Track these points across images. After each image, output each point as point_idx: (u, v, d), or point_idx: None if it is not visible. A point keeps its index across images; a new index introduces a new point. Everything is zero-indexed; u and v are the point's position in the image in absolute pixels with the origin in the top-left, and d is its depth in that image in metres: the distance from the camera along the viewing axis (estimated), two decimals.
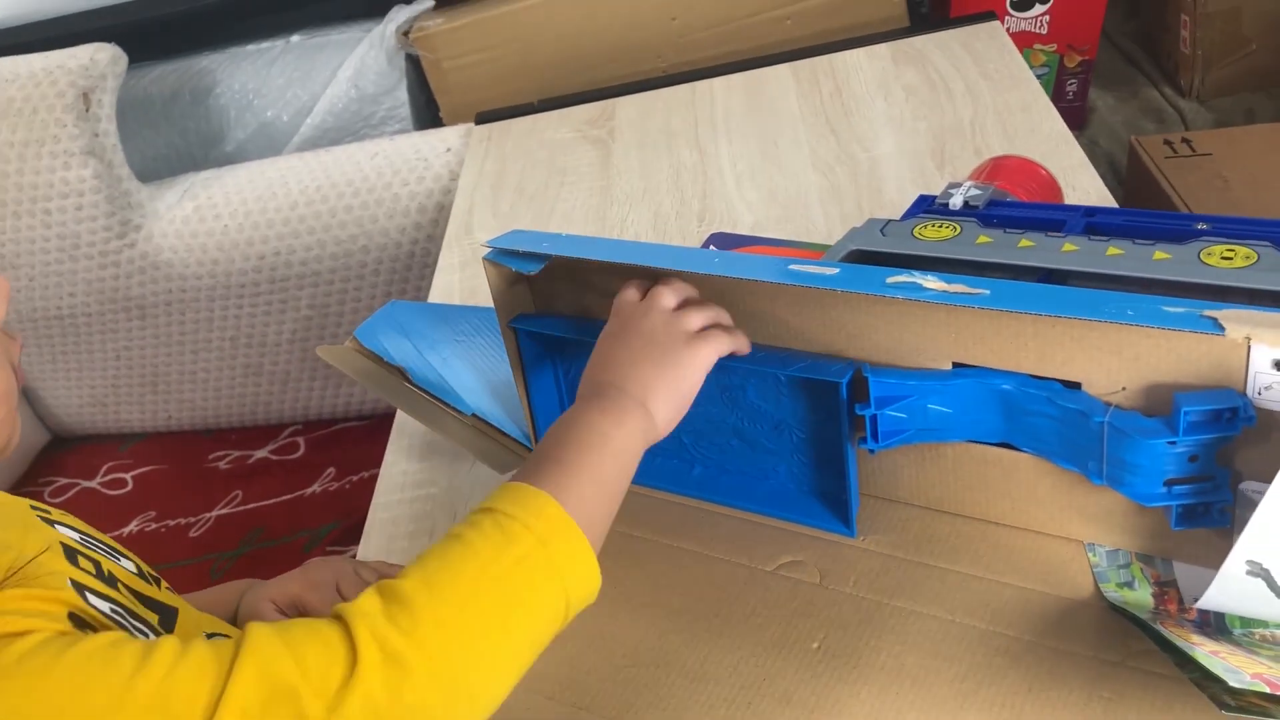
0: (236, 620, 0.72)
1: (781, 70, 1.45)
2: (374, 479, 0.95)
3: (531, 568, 0.51)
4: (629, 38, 1.68)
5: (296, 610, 0.72)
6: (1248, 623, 0.59)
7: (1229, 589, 0.54)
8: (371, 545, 0.88)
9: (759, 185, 1.22)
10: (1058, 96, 1.85)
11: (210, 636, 0.63)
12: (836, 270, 0.66)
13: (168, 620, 0.58)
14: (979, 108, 1.24)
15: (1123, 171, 1.65)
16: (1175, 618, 0.60)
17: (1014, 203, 0.83)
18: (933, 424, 0.67)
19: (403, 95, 1.76)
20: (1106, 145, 1.87)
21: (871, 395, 0.66)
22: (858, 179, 1.18)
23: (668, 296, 0.65)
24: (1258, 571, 0.53)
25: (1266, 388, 0.55)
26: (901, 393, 0.66)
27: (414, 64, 1.75)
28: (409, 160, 1.58)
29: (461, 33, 1.68)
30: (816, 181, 1.20)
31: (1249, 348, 0.55)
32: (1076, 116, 1.89)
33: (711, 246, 1.08)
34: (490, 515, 0.52)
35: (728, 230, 1.14)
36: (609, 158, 1.37)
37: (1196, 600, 0.57)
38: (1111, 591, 0.63)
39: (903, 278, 0.63)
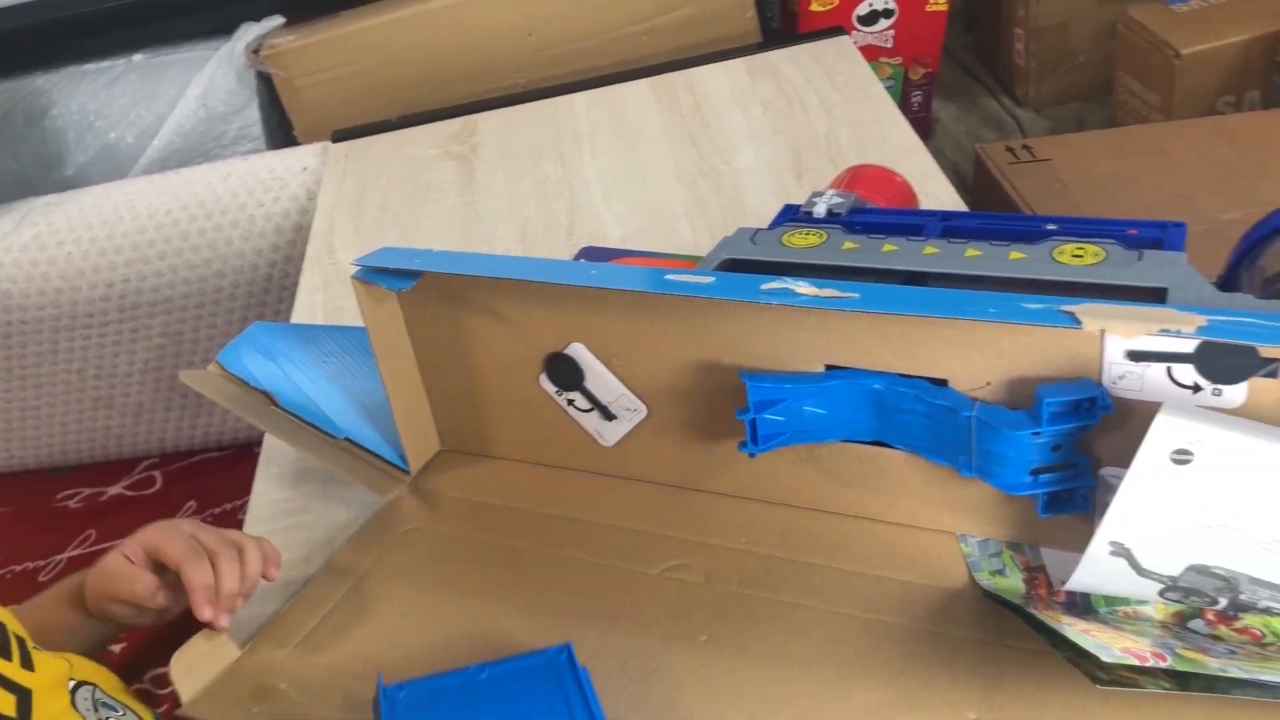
0: (87, 603, 0.69)
1: (641, 85, 1.46)
2: (237, 510, 0.92)
3: None
4: (486, 54, 1.67)
5: (153, 561, 0.69)
6: (1112, 601, 0.62)
7: (1094, 570, 0.57)
8: None
9: (625, 198, 1.23)
10: (903, 108, 1.91)
11: (78, 688, 0.60)
12: (712, 279, 0.67)
13: (24, 703, 0.55)
14: (833, 120, 1.28)
15: (967, 179, 1.72)
16: (1046, 601, 0.63)
17: (874, 209, 0.86)
18: (809, 425, 0.68)
19: (254, 114, 1.71)
20: (951, 154, 1.95)
21: (750, 400, 0.67)
22: (721, 191, 1.20)
23: None
24: (1120, 551, 0.56)
25: (1120, 377, 0.58)
26: (778, 396, 0.68)
27: (265, 82, 1.71)
28: (263, 180, 1.54)
29: (314, 50, 1.65)
30: (681, 194, 1.21)
31: (1103, 339, 0.58)
32: (922, 127, 1.96)
33: (583, 260, 1.08)
34: None
35: (597, 243, 1.14)
36: (473, 173, 1.36)
37: (1064, 583, 0.60)
38: (985, 580, 0.66)
39: (776, 284, 0.65)
